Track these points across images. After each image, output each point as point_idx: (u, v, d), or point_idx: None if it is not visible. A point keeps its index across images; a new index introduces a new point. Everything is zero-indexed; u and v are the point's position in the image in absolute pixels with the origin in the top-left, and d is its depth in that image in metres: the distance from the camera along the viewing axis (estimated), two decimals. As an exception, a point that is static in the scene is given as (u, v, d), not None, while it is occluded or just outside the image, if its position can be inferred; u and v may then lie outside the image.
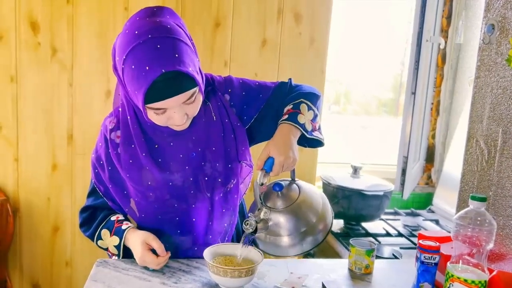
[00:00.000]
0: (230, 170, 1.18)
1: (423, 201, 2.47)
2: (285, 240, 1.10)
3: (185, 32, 1.02)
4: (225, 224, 1.20)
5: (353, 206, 1.82)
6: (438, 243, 1.07)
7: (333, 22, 2.04)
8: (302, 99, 1.17)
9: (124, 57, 0.96)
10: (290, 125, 1.12)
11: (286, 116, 1.14)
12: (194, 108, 1.05)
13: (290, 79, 1.26)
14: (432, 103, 2.46)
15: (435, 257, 1.05)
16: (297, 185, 1.17)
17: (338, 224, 1.92)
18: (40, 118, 1.94)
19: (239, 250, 1.09)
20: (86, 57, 1.93)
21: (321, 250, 1.79)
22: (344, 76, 2.71)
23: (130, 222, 1.20)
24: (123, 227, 1.16)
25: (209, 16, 1.97)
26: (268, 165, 1.06)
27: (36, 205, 1.99)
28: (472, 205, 0.97)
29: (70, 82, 1.93)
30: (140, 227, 1.19)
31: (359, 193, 1.80)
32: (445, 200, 2.28)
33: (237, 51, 2.01)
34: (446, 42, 2.37)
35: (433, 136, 2.50)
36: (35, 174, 1.97)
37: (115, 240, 1.16)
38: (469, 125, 1.26)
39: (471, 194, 0.98)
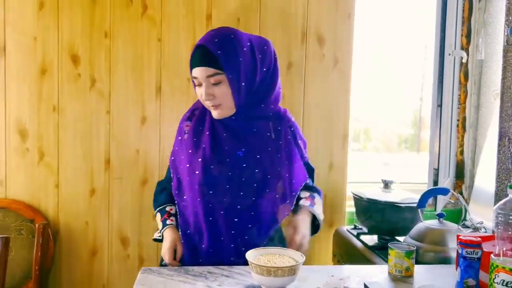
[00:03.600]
0: (267, 181, 1.29)
1: (456, 218, 2.43)
2: None
3: (256, 50, 1.28)
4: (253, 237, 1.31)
5: (387, 220, 1.81)
6: (479, 238, 1.07)
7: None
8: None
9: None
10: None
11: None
12: (220, 92, 1.24)
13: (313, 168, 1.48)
14: (458, 120, 2.47)
15: (477, 252, 1.05)
16: None
17: (372, 240, 1.90)
18: (79, 144, 2.04)
19: None
20: (122, 86, 2.04)
21: (357, 262, 1.78)
22: (363, 114, 2.71)
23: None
24: (168, 222, 1.36)
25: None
26: None
27: (75, 228, 2.05)
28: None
29: (107, 110, 2.04)
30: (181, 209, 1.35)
31: (392, 206, 1.79)
32: (480, 215, 2.23)
33: (264, 75, 2.09)
34: (467, 59, 2.41)
35: (461, 152, 2.49)
36: (74, 198, 2.05)
37: (160, 225, 1.39)
38: (499, 125, 1.28)
39: (510, 184, 0.99)
